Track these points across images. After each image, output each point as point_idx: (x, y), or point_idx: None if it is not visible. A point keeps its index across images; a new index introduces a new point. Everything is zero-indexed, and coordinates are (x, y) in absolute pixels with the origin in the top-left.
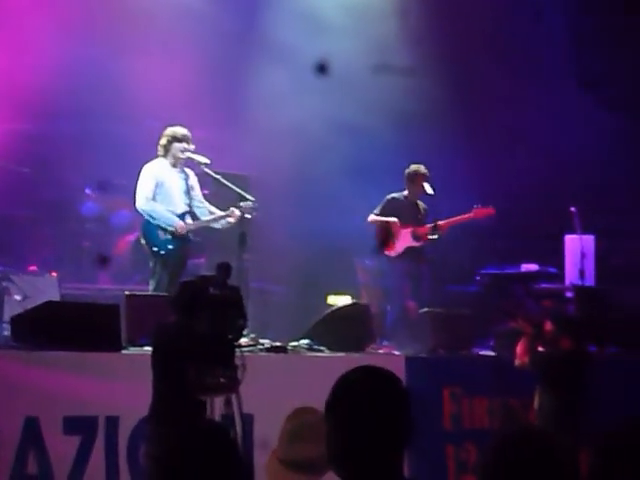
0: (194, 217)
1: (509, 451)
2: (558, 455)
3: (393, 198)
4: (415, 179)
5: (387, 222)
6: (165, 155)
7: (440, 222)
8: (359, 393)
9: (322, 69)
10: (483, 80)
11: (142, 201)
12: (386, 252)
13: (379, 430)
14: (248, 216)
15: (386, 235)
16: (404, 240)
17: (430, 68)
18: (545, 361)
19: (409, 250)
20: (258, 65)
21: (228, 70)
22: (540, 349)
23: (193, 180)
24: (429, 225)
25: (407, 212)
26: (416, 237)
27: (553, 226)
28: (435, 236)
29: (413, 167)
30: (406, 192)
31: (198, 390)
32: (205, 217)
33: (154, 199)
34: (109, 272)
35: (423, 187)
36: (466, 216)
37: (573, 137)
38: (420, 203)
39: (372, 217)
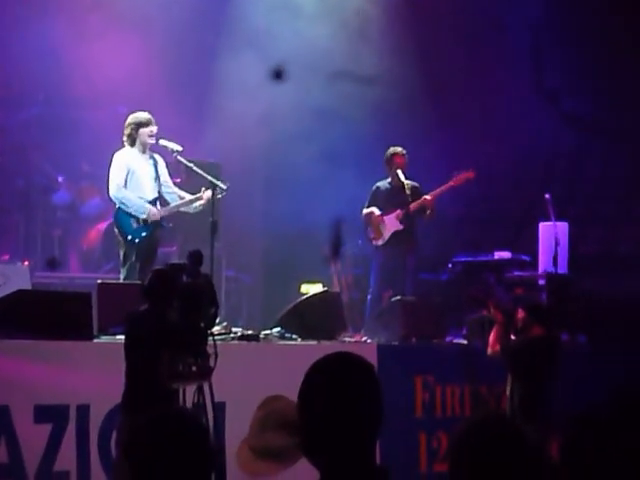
0: (164, 203)
1: (473, 436)
2: (523, 440)
3: (377, 187)
4: (392, 160)
5: (368, 214)
6: (132, 144)
7: (414, 203)
8: (332, 380)
9: (278, 75)
10: (454, 68)
11: (114, 189)
12: (374, 242)
13: (352, 417)
14: (219, 196)
15: (373, 226)
16: (389, 226)
17: (402, 58)
18: (516, 350)
19: (396, 237)
20: (229, 51)
21: (199, 56)
22: (512, 338)
23: (162, 166)
24: (405, 209)
25: (393, 198)
26: (400, 220)
27: (527, 213)
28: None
29: (389, 150)
30: (389, 178)
31: (170, 378)
32: (174, 202)
33: (125, 187)
34: (80, 261)
35: (397, 174)
36: (446, 186)
37: (544, 124)
38: (407, 183)
39: (364, 211)
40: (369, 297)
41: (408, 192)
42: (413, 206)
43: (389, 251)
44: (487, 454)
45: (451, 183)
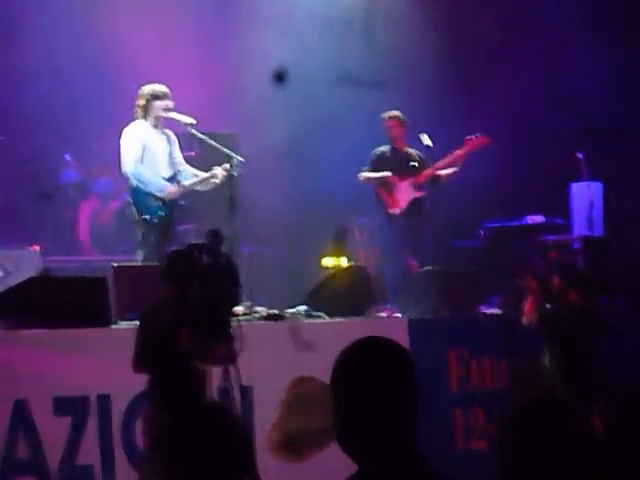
0: (178, 181)
1: (524, 420)
2: (575, 422)
3: (381, 152)
4: (389, 125)
5: (382, 178)
6: (145, 116)
7: (437, 166)
8: (363, 367)
9: (280, 78)
10: (486, 28)
11: (130, 165)
12: (390, 210)
13: (386, 405)
14: (234, 174)
15: (387, 192)
16: (406, 193)
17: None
18: (553, 318)
19: (413, 205)
20: (244, 19)
21: (213, 25)
22: (547, 305)
23: (174, 142)
24: (427, 172)
25: (398, 163)
26: (417, 186)
27: (559, 174)
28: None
29: (398, 113)
30: (390, 144)
31: (193, 357)
32: (188, 181)
33: (141, 162)
34: (93, 242)
35: (419, 138)
36: (460, 152)
37: (575, 77)
38: (411, 150)
39: (364, 175)
40: (388, 269)
41: (417, 159)
42: (426, 174)
43: (405, 219)
44: (539, 437)
45: (465, 149)
